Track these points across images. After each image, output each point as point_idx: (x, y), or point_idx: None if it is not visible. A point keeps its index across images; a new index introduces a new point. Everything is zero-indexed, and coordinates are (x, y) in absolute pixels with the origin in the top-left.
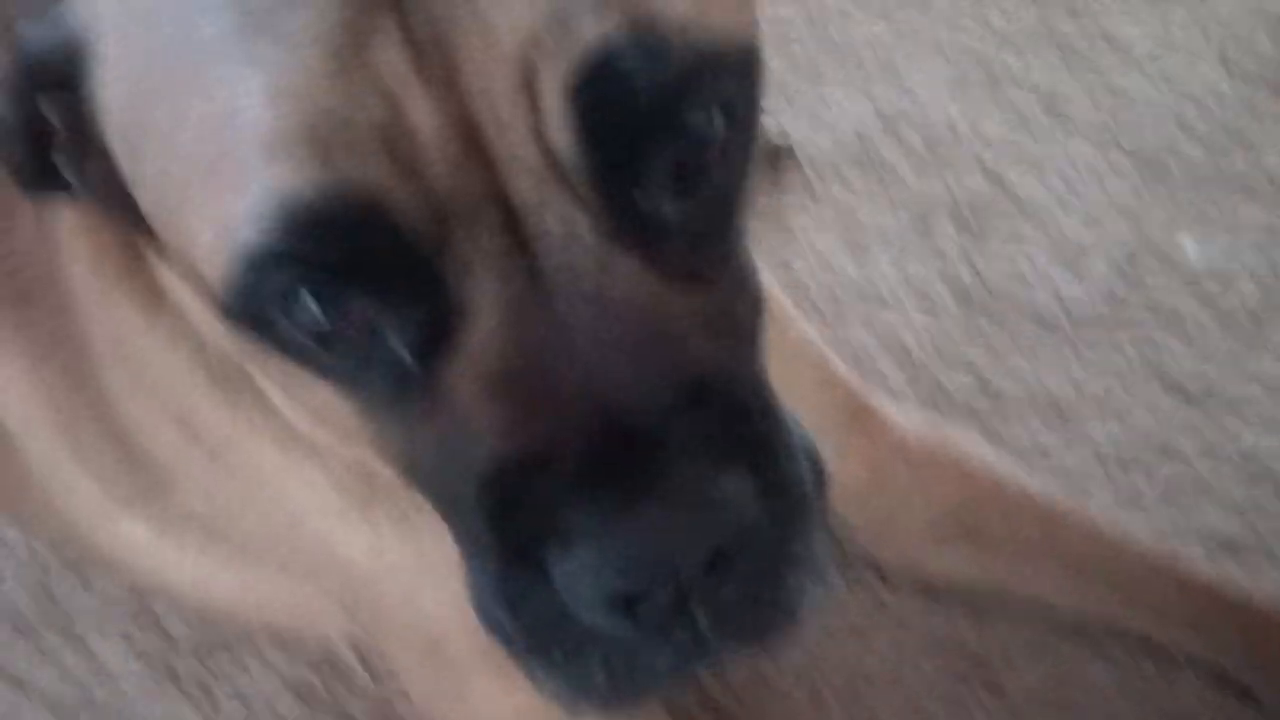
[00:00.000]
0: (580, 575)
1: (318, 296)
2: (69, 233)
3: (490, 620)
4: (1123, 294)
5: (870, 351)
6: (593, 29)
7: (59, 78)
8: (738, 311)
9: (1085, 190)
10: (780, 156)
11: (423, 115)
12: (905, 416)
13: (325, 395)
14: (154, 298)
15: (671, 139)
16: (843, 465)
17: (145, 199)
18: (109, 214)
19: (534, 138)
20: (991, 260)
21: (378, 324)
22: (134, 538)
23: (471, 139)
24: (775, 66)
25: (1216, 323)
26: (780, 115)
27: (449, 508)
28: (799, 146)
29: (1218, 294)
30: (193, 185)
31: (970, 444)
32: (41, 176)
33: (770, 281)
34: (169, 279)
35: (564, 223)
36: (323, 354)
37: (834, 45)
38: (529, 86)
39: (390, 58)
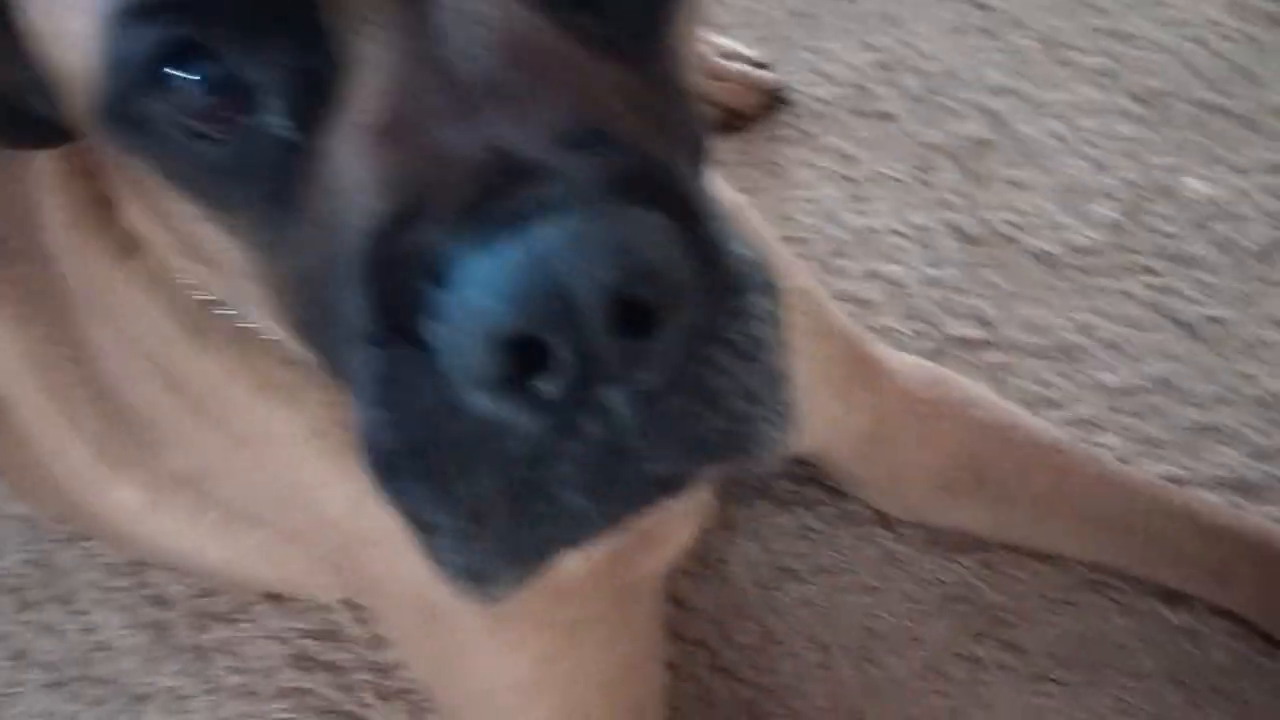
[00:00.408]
0: (458, 323)
1: (191, 60)
2: (43, 189)
3: (375, 456)
4: (1130, 236)
5: (876, 303)
6: None
7: None
8: (666, 110)
9: (1089, 133)
10: (776, 107)
11: None
12: (910, 366)
13: (209, 234)
14: (127, 250)
15: None
16: (847, 417)
17: (35, 43)
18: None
19: None
20: (995, 207)
21: (255, 90)
22: (128, 504)
23: None
24: (773, 17)
25: (1227, 263)
26: (779, 65)
27: (334, 327)
28: (799, 96)
29: (1227, 234)
30: None
31: (978, 392)
32: (9, 127)
33: (768, 231)
34: (142, 227)
35: None
36: (200, 156)
37: None
38: None
39: None
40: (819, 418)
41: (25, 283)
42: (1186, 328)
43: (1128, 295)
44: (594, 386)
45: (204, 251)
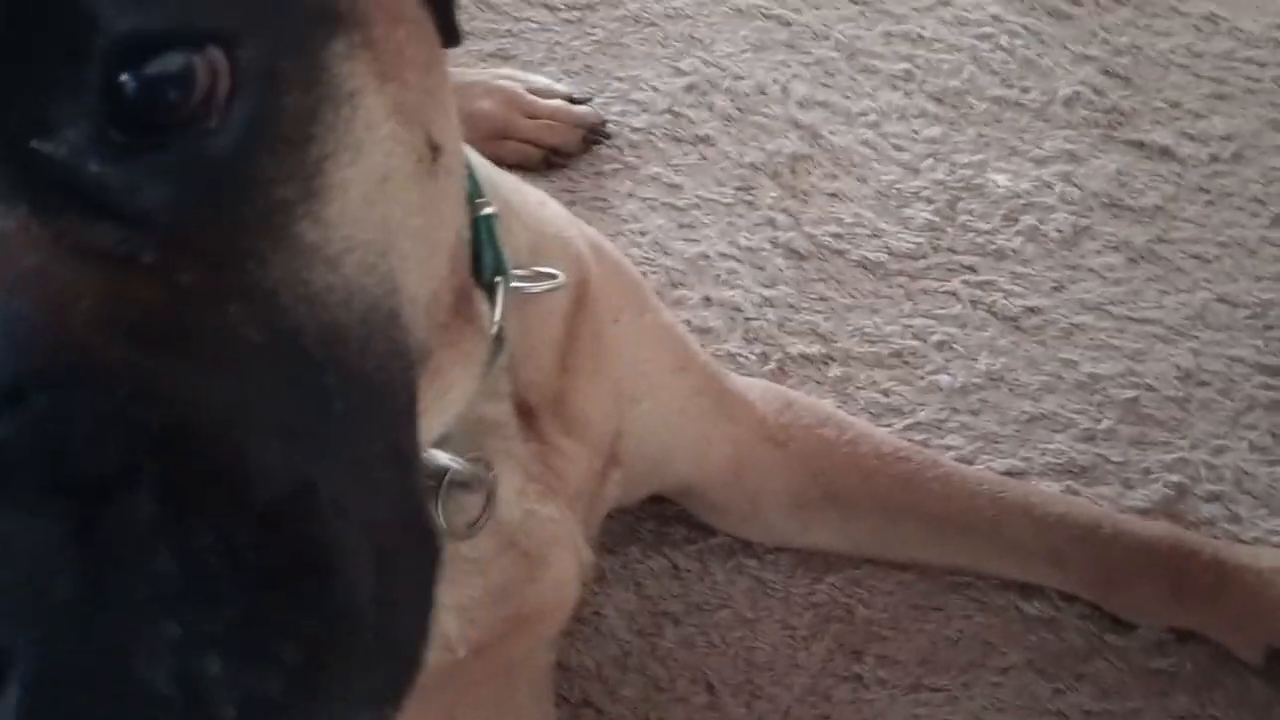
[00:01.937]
0: None
1: None
2: None
3: None
4: (947, 236)
5: (716, 329)
6: None
7: None
8: (236, 342)
9: (897, 138)
10: (596, 139)
11: None
12: (761, 392)
13: None
14: None
15: (89, 66)
16: (708, 450)
17: None
18: None
19: None
20: (819, 220)
21: None
22: None
23: None
24: (578, 48)
25: (1038, 253)
26: (591, 98)
27: None
28: (616, 128)
29: (1033, 225)
30: None
31: (825, 410)
32: None
33: (627, 265)
34: None
35: None
36: None
37: (635, 23)
38: None
39: None
40: (681, 454)
41: None
42: (1009, 321)
43: (952, 295)
44: None
45: None
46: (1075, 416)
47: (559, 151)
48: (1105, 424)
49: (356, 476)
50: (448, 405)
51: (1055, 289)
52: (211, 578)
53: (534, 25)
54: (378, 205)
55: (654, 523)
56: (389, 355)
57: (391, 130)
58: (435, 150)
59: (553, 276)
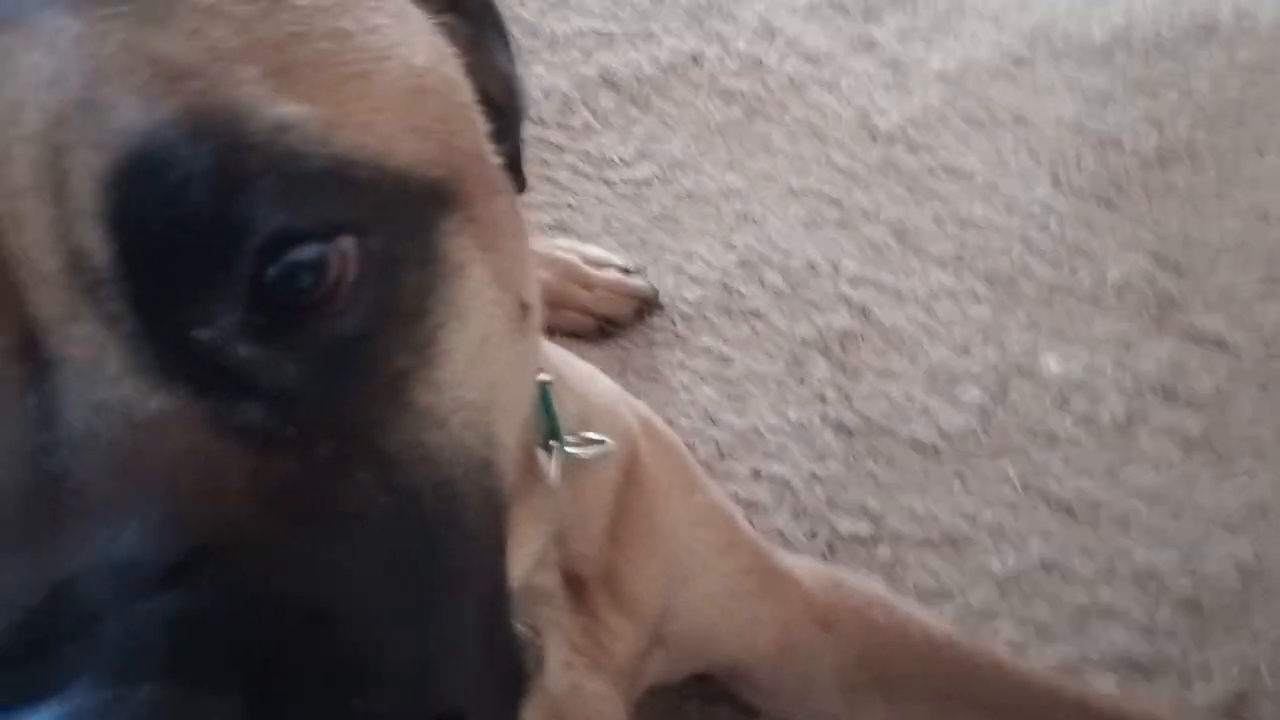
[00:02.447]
0: None
1: None
2: None
3: None
4: (998, 417)
5: (765, 504)
6: (136, 115)
7: None
8: (373, 507)
9: (947, 317)
10: (649, 310)
11: None
12: (809, 572)
13: None
14: None
15: (240, 262)
16: (755, 631)
17: None
18: None
19: (58, 237)
20: (869, 397)
21: None
22: None
23: None
24: (634, 221)
25: (1089, 437)
26: (644, 270)
27: None
28: (669, 299)
29: (1086, 410)
30: None
31: (874, 592)
32: None
33: (676, 442)
34: None
35: (87, 345)
36: None
37: (690, 199)
38: (54, 172)
39: None
40: (727, 634)
41: None
42: (1062, 507)
43: (1004, 478)
44: None
45: None
46: (1131, 608)
47: (613, 321)
48: (1162, 617)
49: (461, 627)
50: (519, 560)
51: (1109, 475)
52: None
53: (593, 199)
54: (480, 366)
55: (698, 701)
56: (486, 505)
57: (492, 295)
58: (525, 309)
59: (601, 443)
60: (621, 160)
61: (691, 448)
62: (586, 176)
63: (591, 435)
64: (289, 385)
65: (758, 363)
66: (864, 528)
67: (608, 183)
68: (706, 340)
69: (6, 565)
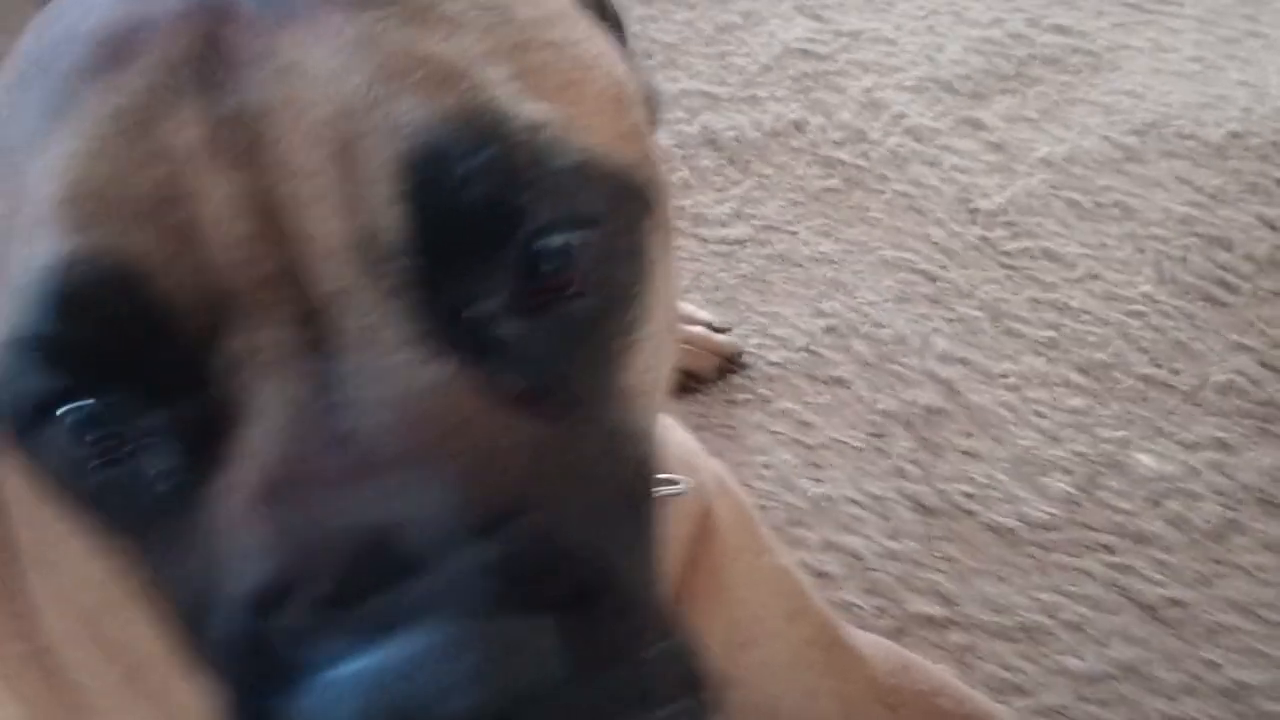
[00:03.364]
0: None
1: (74, 393)
2: None
3: None
4: (1086, 512)
5: (835, 576)
6: (420, 110)
7: None
8: (596, 469)
9: (1038, 404)
10: (732, 369)
11: (207, 183)
12: (876, 649)
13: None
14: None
15: (510, 246)
16: (814, 704)
17: None
18: None
19: (343, 214)
20: (951, 478)
21: (144, 432)
22: None
23: (268, 213)
24: (723, 280)
25: (1183, 542)
26: (730, 328)
27: (219, 663)
28: (753, 359)
29: (1180, 511)
30: None
31: (942, 679)
32: None
33: (748, 503)
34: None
35: (368, 316)
36: (86, 479)
37: (782, 262)
38: (343, 159)
39: (182, 127)
40: (786, 705)
41: None
42: (1148, 610)
43: (1087, 574)
44: None
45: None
46: None
47: (695, 376)
48: None
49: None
50: None
51: (1199, 582)
52: (650, 678)
53: (684, 254)
54: (655, 357)
55: None
56: (649, 495)
57: (668, 294)
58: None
59: (675, 483)
60: (716, 219)
61: (764, 511)
62: (680, 232)
63: (667, 476)
64: (540, 360)
65: (838, 431)
66: (936, 610)
67: (701, 239)
68: (787, 404)
69: (306, 517)
